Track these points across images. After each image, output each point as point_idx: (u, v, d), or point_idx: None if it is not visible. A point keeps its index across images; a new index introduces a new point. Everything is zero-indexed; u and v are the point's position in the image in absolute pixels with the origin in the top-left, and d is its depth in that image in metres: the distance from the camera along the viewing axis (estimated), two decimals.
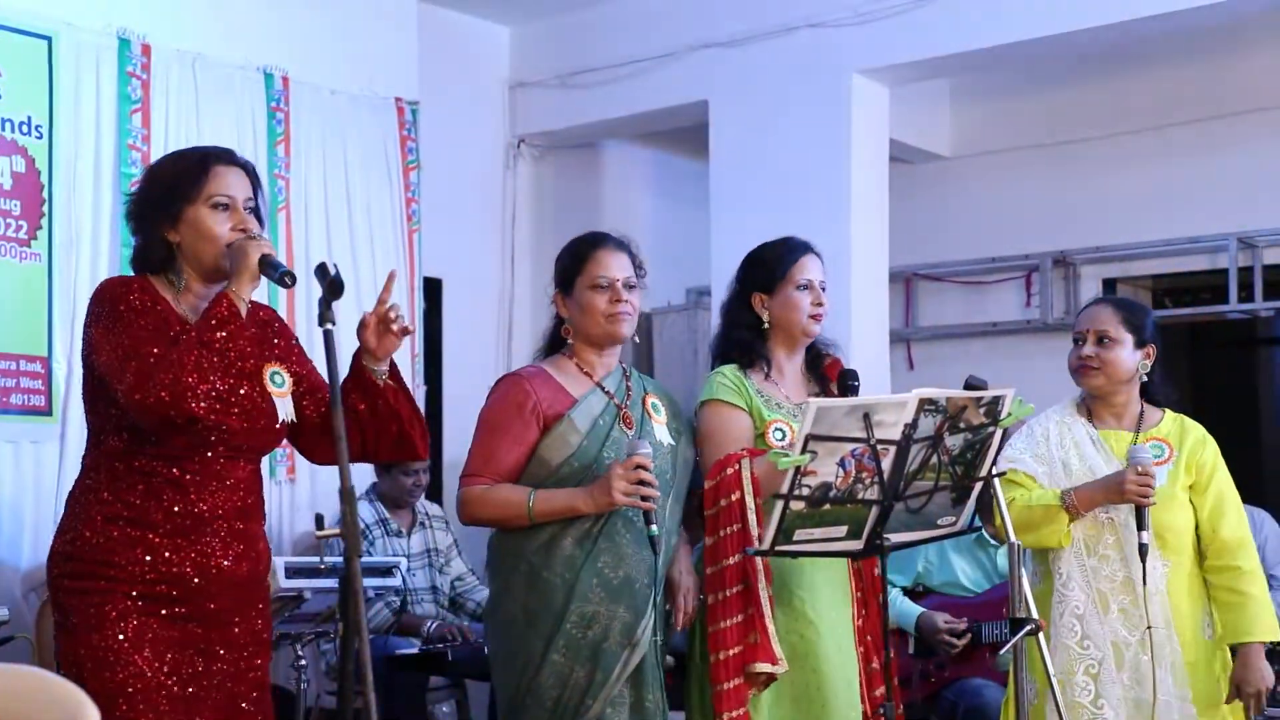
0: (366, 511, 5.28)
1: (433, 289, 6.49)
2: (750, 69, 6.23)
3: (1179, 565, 3.51)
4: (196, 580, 2.78)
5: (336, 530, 2.47)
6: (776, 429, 3.31)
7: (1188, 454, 3.58)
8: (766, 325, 3.47)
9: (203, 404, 2.68)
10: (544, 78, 6.83)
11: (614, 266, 3.30)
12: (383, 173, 6.05)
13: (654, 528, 3.07)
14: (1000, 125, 7.16)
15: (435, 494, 5.95)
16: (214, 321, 2.71)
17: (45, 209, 4.95)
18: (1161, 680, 3.42)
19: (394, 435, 2.95)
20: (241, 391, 2.80)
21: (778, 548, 2.77)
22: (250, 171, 2.93)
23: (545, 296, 6.82)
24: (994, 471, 2.94)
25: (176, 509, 2.77)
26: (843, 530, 2.82)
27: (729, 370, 3.42)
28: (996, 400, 2.84)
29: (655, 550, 3.11)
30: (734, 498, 3.20)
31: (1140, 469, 3.38)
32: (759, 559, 3.11)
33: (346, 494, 2.46)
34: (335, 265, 2.66)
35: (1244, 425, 7.45)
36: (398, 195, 6.10)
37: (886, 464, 2.75)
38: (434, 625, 5.11)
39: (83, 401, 2.91)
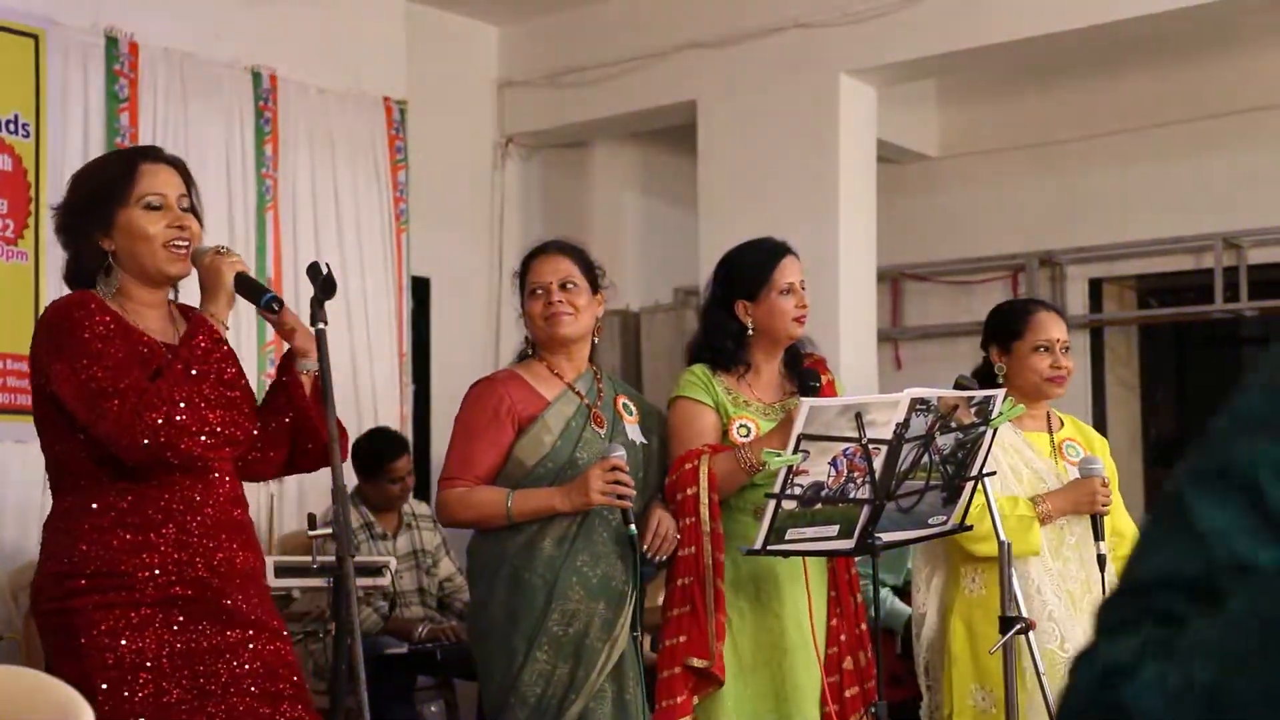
0: (351, 517, 5.28)
1: (421, 288, 6.48)
2: (738, 69, 6.23)
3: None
4: (210, 579, 2.63)
5: (329, 530, 2.46)
6: (741, 425, 3.36)
7: (1100, 454, 3.65)
8: (751, 331, 3.48)
9: (200, 441, 2.53)
10: (532, 77, 6.83)
11: (546, 271, 3.37)
12: (370, 172, 6.05)
13: (632, 527, 3.17)
14: (987, 125, 7.18)
15: (423, 492, 5.94)
16: (199, 352, 2.56)
17: (32, 208, 4.94)
18: None
19: (319, 445, 2.82)
20: (235, 421, 2.61)
21: (770, 547, 2.78)
22: (180, 168, 2.79)
23: None
24: (985, 471, 2.95)
25: (176, 507, 2.64)
26: (834, 530, 2.83)
27: (698, 369, 3.47)
28: (988, 400, 2.86)
29: (634, 548, 3.21)
30: (690, 492, 3.29)
31: (1102, 480, 3.42)
32: (710, 556, 3.20)
33: (339, 493, 2.45)
34: (328, 264, 2.65)
35: None
36: (386, 194, 6.10)
37: (878, 463, 2.76)
38: (425, 629, 5.10)
39: (40, 433, 2.69)
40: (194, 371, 2.55)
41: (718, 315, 3.52)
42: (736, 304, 3.49)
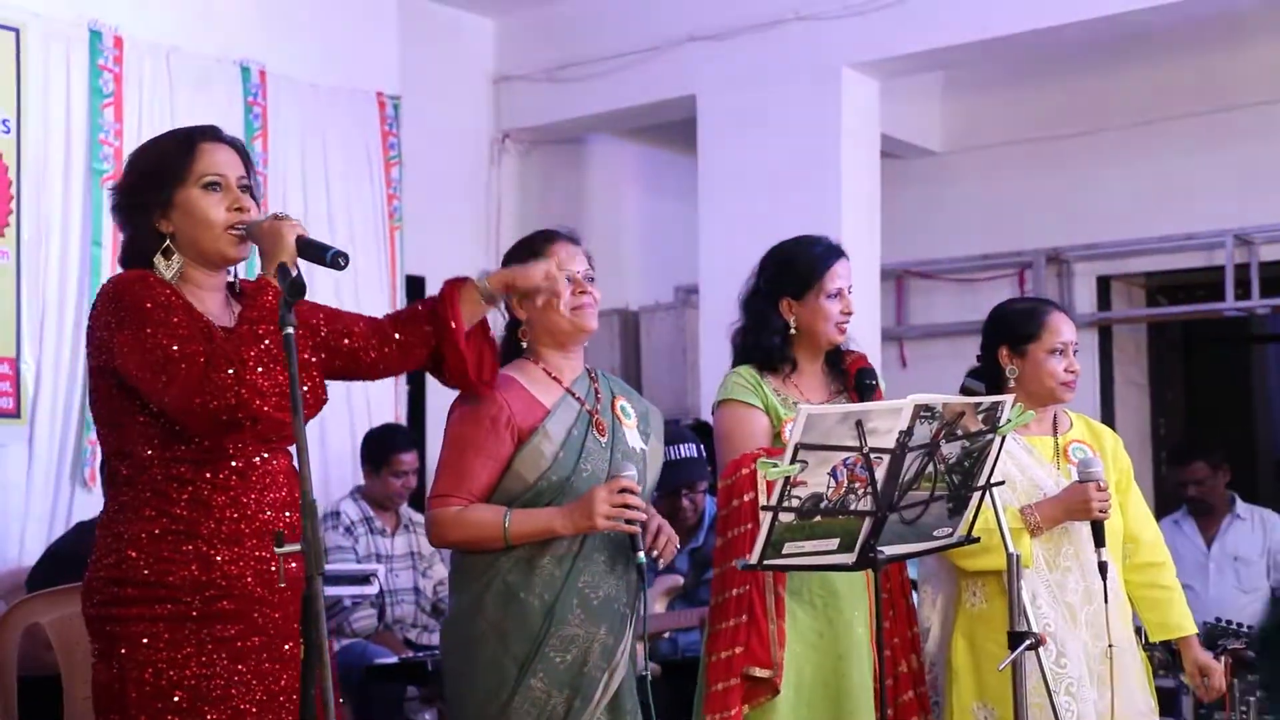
0: (351, 509, 5.22)
1: (415, 287, 6.35)
2: (739, 63, 6.12)
3: (1119, 569, 3.43)
4: (259, 590, 2.56)
5: (296, 547, 2.32)
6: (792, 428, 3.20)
7: (1111, 455, 3.53)
8: (794, 331, 3.36)
9: (272, 401, 2.45)
10: (529, 71, 6.72)
11: (574, 261, 3.17)
12: (364, 168, 5.94)
13: (641, 555, 2.97)
14: (993, 120, 7.05)
15: (421, 496, 5.83)
16: (266, 311, 2.49)
17: (14, 205, 4.81)
18: (1132, 691, 3.36)
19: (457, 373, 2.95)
20: (305, 387, 2.56)
21: (766, 562, 2.65)
22: (240, 148, 2.72)
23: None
24: (993, 480, 2.82)
25: (229, 513, 2.56)
26: (834, 543, 2.70)
27: (745, 370, 3.35)
28: (996, 406, 2.73)
29: (641, 577, 3.04)
30: (746, 499, 3.14)
31: (1100, 485, 3.29)
32: None
33: (308, 507, 2.31)
34: (298, 268, 2.53)
35: (1239, 424, 7.36)
36: (379, 192, 5.98)
37: (880, 473, 2.62)
38: (411, 654, 5.00)
39: (96, 415, 2.65)
40: (260, 330, 2.48)
41: (762, 310, 3.40)
42: (782, 301, 3.38)
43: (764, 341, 3.37)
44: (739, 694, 3.12)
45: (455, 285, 2.99)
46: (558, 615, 2.99)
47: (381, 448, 5.28)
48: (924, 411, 2.61)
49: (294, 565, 2.53)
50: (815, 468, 2.59)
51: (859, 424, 2.58)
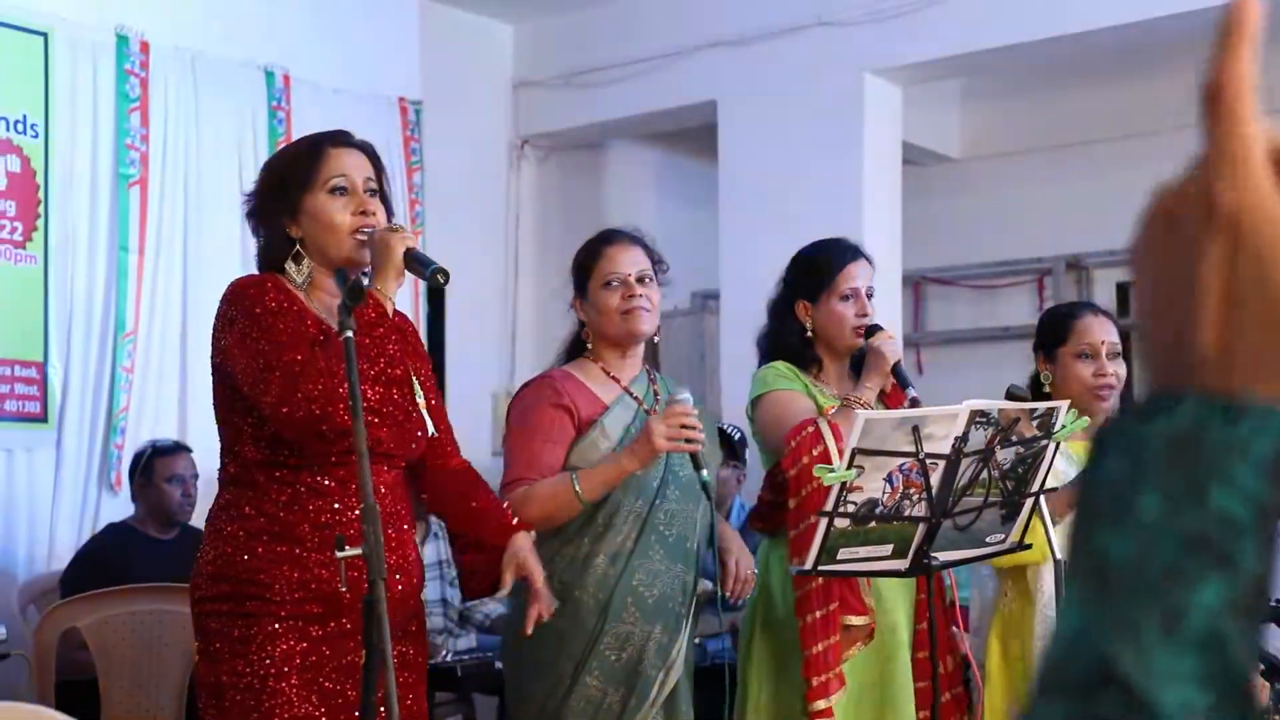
0: None
1: (435, 292, 6.34)
2: (760, 68, 6.11)
3: None
4: (350, 597, 2.52)
5: (359, 551, 2.31)
6: (835, 413, 3.18)
7: None
8: (810, 334, 3.35)
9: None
10: (549, 77, 6.70)
11: (624, 262, 3.17)
12: (385, 173, 5.92)
13: (704, 473, 2.98)
14: (1011, 126, 7.05)
15: None
16: (361, 325, 2.48)
17: (41, 210, 4.81)
18: None
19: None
20: (395, 400, 2.60)
21: (821, 567, 2.64)
22: (370, 152, 2.73)
23: (549, 299, 6.79)
24: (1047, 487, 2.81)
25: (325, 519, 2.57)
26: (888, 549, 2.69)
27: (780, 364, 3.31)
28: (1050, 412, 2.72)
29: (709, 497, 3.04)
30: (816, 452, 3.09)
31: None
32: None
33: (368, 511, 2.31)
34: (360, 273, 2.53)
35: None
36: (400, 196, 5.97)
37: (935, 479, 2.62)
38: (449, 656, 4.97)
39: (215, 411, 2.69)
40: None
41: (781, 314, 3.40)
42: (798, 304, 3.37)
43: (784, 344, 3.36)
44: (838, 651, 3.06)
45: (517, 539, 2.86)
46: (612, 613, 3.00)
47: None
48: (979, 417, 2.61)
49: (356, 573, 2.52)
50: (871, 473, 2.59)
51: (915, 429, 2.57)
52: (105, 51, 5.02)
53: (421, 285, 6.04)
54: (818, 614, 3.06)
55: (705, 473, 2.98)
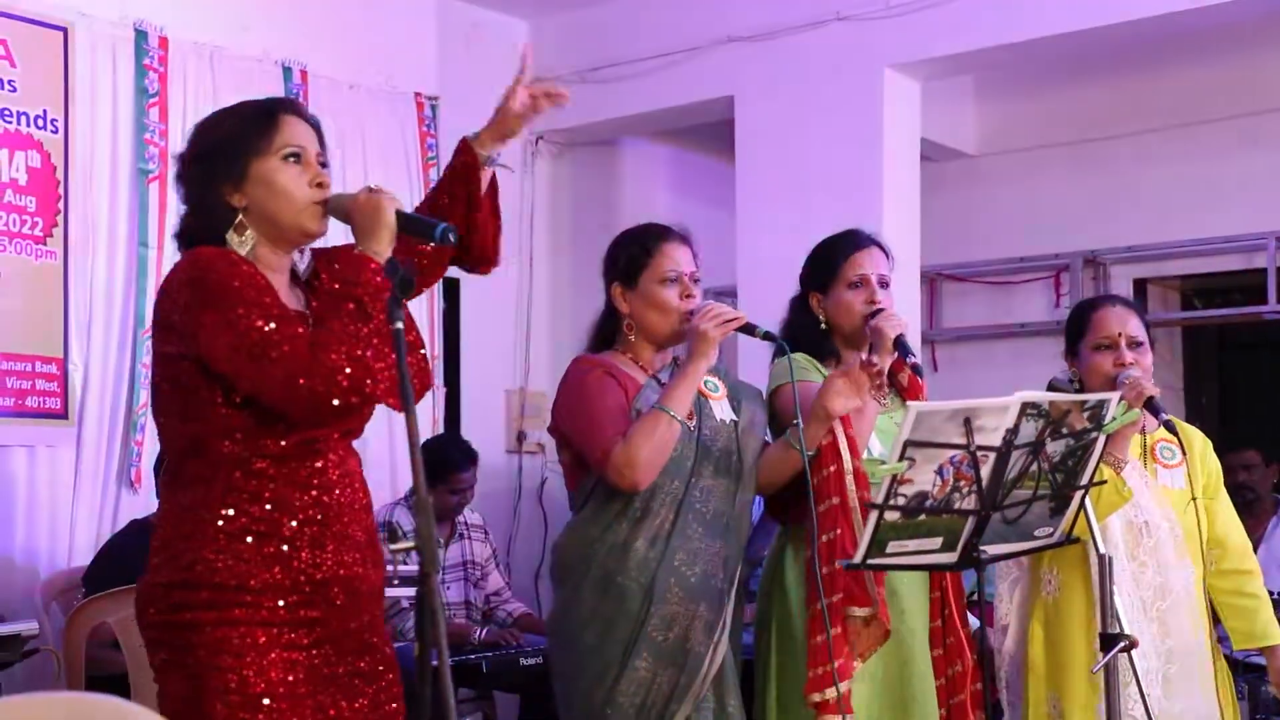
0: (404, 519, 5.11)
1: (450, 289, 6.33)
2: (777, 63, 6.08)
3: (1198, 573, 3.34)
4: (340, 596, 2.44)
5: (411, 544, 2.29)
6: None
7: (1199, 457, 3.43)
8: (824, 326, 3.33)
9: (383, 382, 2.33)
10: (563, 73, 6.64)
11: (684, 260, 3.16)
12: (402, 168, 5.92)
13: (760, 329, 3.05)
14: (1027, 123, 7.02)
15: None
16: (372, 288, 2.35)
17: (61, 205, 4.79)
18: (1193, 693, 3.29)
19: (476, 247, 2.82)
20: (414, 370, 2.45)
21: (871, 561, 2.62)
22: (317, 126, 2.58)
23: (563, 295, 6.79)
24: (1096, 480, 2.79)
25: (311, 512, 2.43)
26: (937, 542, 2.67)
27: (799, 356, 3.26)
28: (1101, 404, 2.70)
29: (774, 339, 3.06)
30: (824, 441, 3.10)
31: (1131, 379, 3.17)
32: (855, 499, 3.02)
33: (421, 504, 2.27)
34: (409, 263, 2.47)
35: (1273, 428, 7.33)
36: (417, 192, 5.93)
37: (986, 471, 2.59)
38: (485, 632, 4.96)
39: (158, 410, 2.49)
40: (366, 309, 2.35)
41: (798, 306, 3.41)
42: (812, 296, 3.37)
43: (800, 335, 3.34)
44: (842, 644, 3.00)
45: (470, 156, 2.87)
46: (656, 595, 2.98)
47: (439, 464, 5.14)
48: (1031, 409, 2.59)
49: (367, 569, 2.50)
50: (922, 465, 2.56)
51: (967, 421, 2.55)
52: (124, 46, 5.00)
53: (437, 283, 6.00)
54: (820, 605, 3.02)
55: (761, 329, 3.03)
